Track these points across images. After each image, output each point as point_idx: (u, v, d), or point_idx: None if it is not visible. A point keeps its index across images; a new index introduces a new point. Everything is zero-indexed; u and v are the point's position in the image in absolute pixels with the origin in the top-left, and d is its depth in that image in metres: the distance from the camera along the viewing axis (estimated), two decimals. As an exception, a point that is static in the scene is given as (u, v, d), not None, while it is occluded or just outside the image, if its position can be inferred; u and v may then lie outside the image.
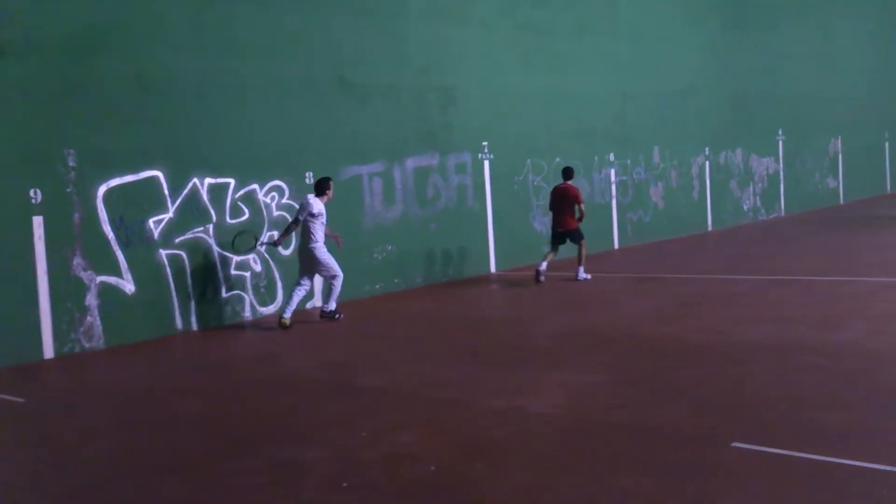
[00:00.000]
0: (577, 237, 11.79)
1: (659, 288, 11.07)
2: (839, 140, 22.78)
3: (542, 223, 14.10)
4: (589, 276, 11.75)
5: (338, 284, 9.80)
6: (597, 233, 14.54)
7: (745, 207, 19.28)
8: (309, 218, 9.60)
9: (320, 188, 9.81)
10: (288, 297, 9.80)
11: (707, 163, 17.99)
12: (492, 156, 13.36)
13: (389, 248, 11.85)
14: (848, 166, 23.13)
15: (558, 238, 12.01)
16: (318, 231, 9.66)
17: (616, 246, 15.67)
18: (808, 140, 21.46)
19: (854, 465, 4.43)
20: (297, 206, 9.96)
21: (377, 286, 11.70)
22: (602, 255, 14.59)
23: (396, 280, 11.97)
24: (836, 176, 22.82)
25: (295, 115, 10.70)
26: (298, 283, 9.76)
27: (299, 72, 10.77)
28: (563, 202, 11.85)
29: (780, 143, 20.34)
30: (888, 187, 25.42)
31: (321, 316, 9.99)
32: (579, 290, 11.11)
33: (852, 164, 23.29)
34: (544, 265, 11.86)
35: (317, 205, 9.64)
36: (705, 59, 18.01)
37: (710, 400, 5.86)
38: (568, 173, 12.10)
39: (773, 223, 18.95)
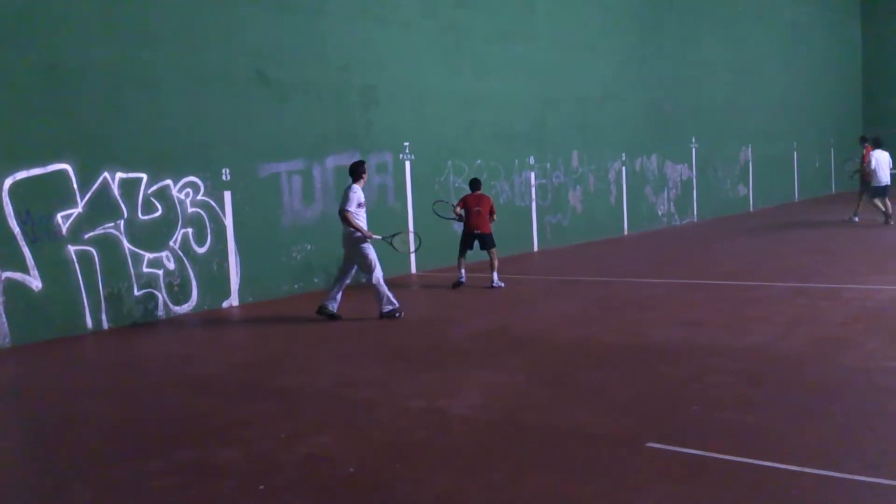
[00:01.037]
0: (490, 244, 11.63)
1: (576, 290, 11.25)
2: (749, 149, 23.63)
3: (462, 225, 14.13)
4: (503, 284, 11.59)
5: (380, 284, 9.34)
6: (516, 235, 14.69)
7: (660, 213, 19.79)
8: (357, 208, 9.27)
9: (358, 172, 9.38)
10: (333, 289, 9.52)
11: (624, 168, 18.39)
12: (413, 156, 13.34)
13: (308, 247, 11.69)
14: (758, 174, 24.01)
15: (469, 241, 11.74)
16: (363, 222, 9.39)
17: (535, 248, 15.86)
18: (720, 148, 22.18)
19: (765, 466, 4.57)
20: (352, 197, 9.21)
21: (296, 286, 11.53)
22: (521, 258, 14.74)
23: (315, 280, 11.82)
24: (746, 183, 23.65)
25: (212, 110, 10.45)
26: (346, 274, 9.51)
27: (217, 66, 10.52)
28: (481, 208, 11.60)
29: (694, 150, 20.96)
30: (796, 195, 26.51)
31: (381, 316, 9.41)
32: (498, 292, 11.18)
33: (762, 172, 24.19)
34: (464, 273, 11.70)
35: (362, 194, 9.40)
36: (623, 66, 18.41)
37: (625, 401, 5.97)
38: (476, 184, 11.88)
39: (686, 229, 19.50)
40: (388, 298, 9.45)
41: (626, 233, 18.41)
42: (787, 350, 7.17)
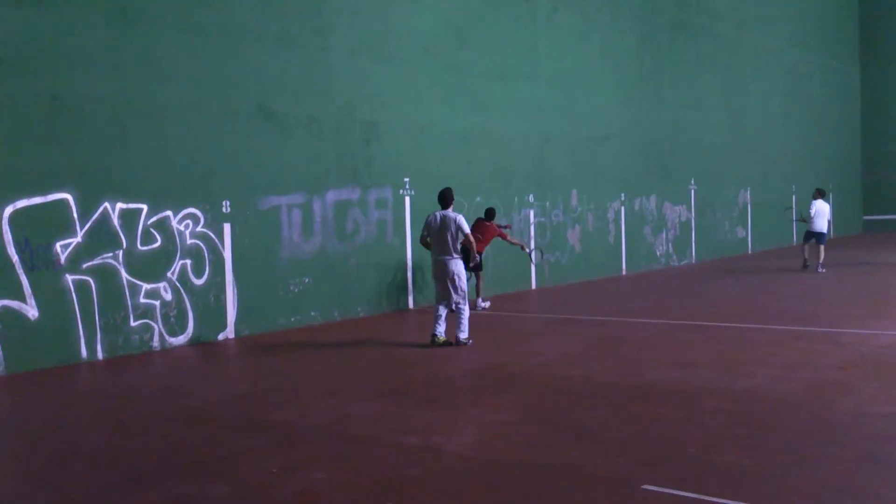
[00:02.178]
0: (478, 268, 12.55)
1: (573, 329, 11.23)
2: (748, 191, 23.75)
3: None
4: (487, 305, 12.85)
5: (466, 308, 9.74)
6: (515, 273, 14.71)
7: (658, 253, 19.83)
8: (461, 234, 9.58)
9: (449, 199, 9.79)
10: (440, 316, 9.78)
11: (623, 208, 18.47)
12: (413, 192, 13.40)
13: (307, 280, 11.70)
14: (756, 217, 24.10)
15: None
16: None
17: (533, 286, 15.86)
18: (719, 190, 22.30)
19: (757, 508, 4.53)
20: (464, 225, 9.64)
21: (293, 319, 11.51)
22: (519, 295, 14.73)
23: (313, 313, 11.81)
24: (745, 226, 23.73)
25: (214, 143, 10.53)
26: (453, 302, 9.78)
27: (220, 99, 10.62)
28: (481, 233, 12.72)
29: (693, 191, 21.07)
30: (794, 238, 26.58)
31: (455, 342, 9.77)
32: (495, 328, 11.16)
33: (761, 215, 24.29)
34: (480, 299, 12.85)
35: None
36: (623, 107, 18.59)
37: (621, 441, 5.93)
38: (490, 213, 13.10)
39: (684, 270, 19.52)
40: (467, 325, 9.75)
41: (624, 272, 18.43)
42: (783, 393, 7.15)
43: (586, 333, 10.78)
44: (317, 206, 11.90)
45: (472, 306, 12.47)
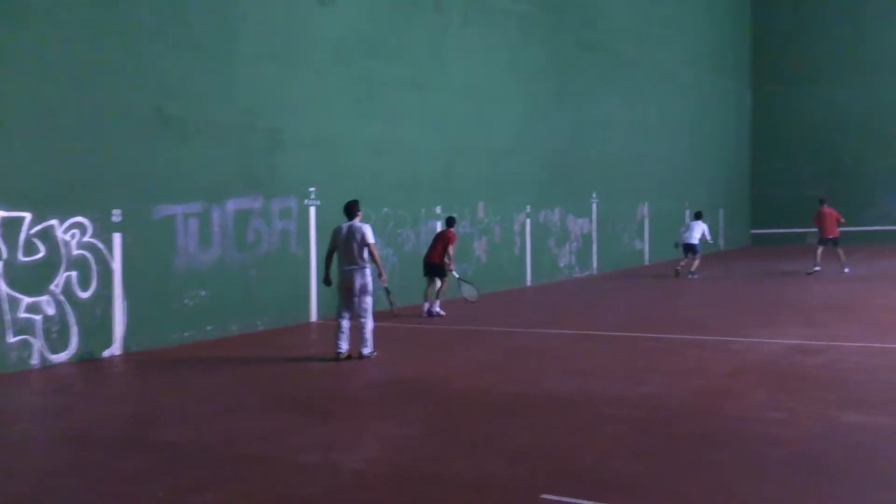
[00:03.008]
0: (441, 273, 13.57)
1: (477, 340, 11.23)
2: (646, 205, 24.43)
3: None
4: (443, 313, 13.42)
5: (370, 323, 9.64)
6: (421, 285, 14.62)
7: (562, 264, 20.14)
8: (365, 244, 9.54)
9: (354, 211, 9.76)
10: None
11: (528, 220, 18.69)
12: (319, 202, 13.18)
13: (203, 293, 11.30)
14: (653, 230, 24.81)
15: (424, 269, 13.81)
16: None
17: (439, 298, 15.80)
18: (619, 203, 22.85)
19: (651, 515, 4.57)
20: (368, 234, 9.58)
21: (186, 334, 11.08)
22: (424, 307, 14.64)
23: (209, 328, 11.41)
24: (642, 238, 24.39)
25: (105, 147, 10.05)
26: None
27: (113, 101, 10.16)
28: (438, 242, 13.83)
29: (595, 205, 21.52)
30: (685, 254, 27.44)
31: (359, 356, 9.58)
32: (401, 340, 11.05)
33: (657, 228, 25.02)
34: (437, 304, 13.50)
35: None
36: (529, 121, 18.84)
37: (521, 451, 5.91)
38: (450, 222, 14.26)
39: (586, 280, 19.88)
40: (371, 339, 9.65)
41: (528, 283, 18.62)
42: (677, 400, 7.30)
43: (489, 344, 10.79)
44: (216, 215, 11.53)
45: (428, 312, 13.43)
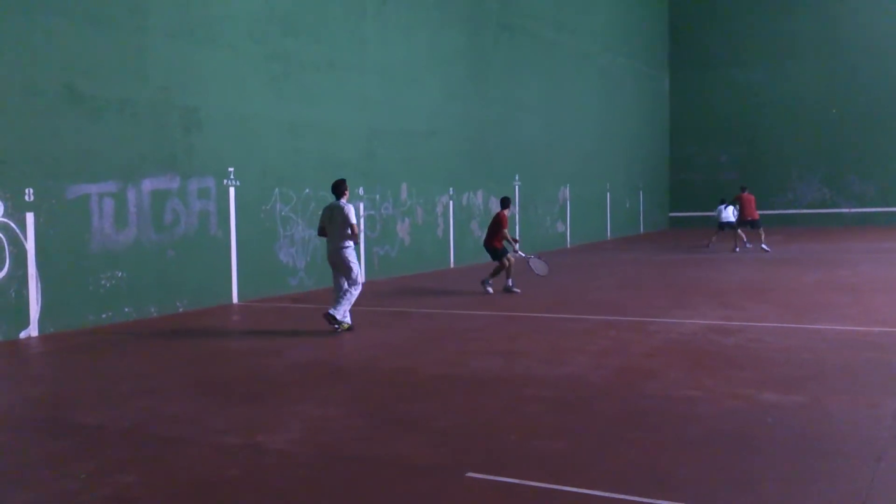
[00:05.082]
0: (495, 255, 14.07)
1: (401, 322, 11.28)
2: (567, 188, 24.86)
3: (289, 254, 13.91)
4: (491, 291, 13.85)
5: (354, 293, 9.96)
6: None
7: (484, 246, 20.30)
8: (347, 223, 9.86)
9: (342, 190, 10.03)
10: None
11: (451, 202, 18.78)
12: (238, 182, 12.96)
13: (119, 274, 11.02)
14: (574, 213, 25.28)
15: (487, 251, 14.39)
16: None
17: (363, 279, 15.78)
18: (540, 186, 23.18)
19: (577, 492, 4.71)
20: (349, 214, 9.85)
21: (103, 315, 10.80)
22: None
23: (127, 309, 11.14)
24: (564, 221, 24.82)
25: (13, 125, 9.68)
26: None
27: (20, 77, 9.77)
28: (493, 224, 14.23)
29: (517, 187, 21.78)
30: (608, 234, 28.13)
31: (326, 317, 9.86)
32: (322, 322, 11.00)
33: (578, 211, 25.50)
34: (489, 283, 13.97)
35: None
36: (450, 103, 18.89)
37: (446, 431, 5.99)
38: (504, 203, 14.62)
39: (508, 262, 20.09)
40: (347, 307, 9.96)
41: (452, 265, 18.75)
42: (597, 380, 7.50)
43: (413, 326, 10.85)
44: (131, 195, 11.23)
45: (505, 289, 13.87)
